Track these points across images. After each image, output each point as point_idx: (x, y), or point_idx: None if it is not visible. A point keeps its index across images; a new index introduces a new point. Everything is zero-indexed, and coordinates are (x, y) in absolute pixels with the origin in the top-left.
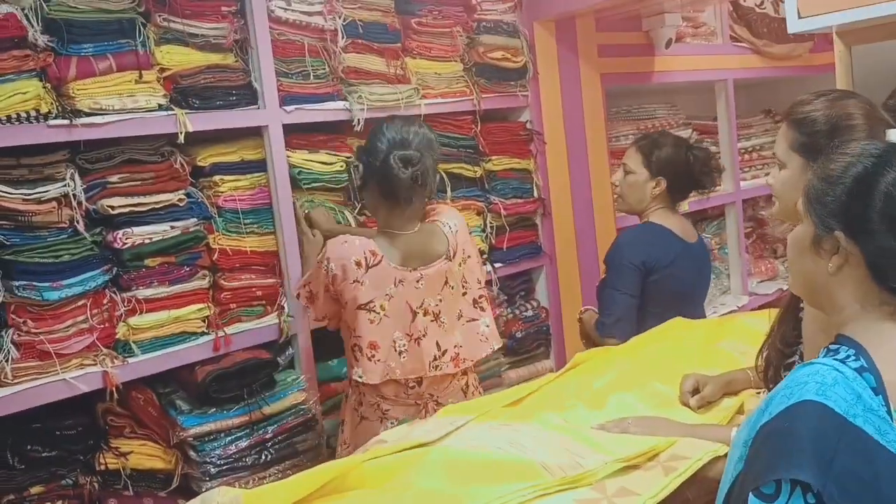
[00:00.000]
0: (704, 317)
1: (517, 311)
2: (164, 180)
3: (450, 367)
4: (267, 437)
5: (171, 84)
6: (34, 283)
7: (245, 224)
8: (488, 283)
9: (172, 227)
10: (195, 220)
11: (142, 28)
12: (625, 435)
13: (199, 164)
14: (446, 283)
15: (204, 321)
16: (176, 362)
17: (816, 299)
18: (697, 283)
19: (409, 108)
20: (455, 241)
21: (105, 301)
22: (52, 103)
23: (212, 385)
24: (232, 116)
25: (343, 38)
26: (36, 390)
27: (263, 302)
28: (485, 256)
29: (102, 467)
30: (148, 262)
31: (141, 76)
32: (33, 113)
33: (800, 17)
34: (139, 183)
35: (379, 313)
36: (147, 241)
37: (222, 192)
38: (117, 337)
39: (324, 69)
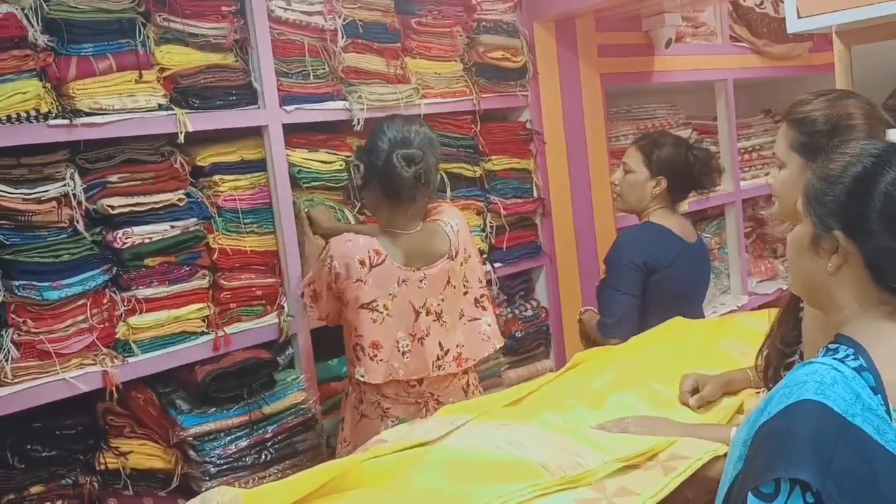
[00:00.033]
0: (703, 317)
1: (517, 311)
2: (164, 180)
3: (452, 367)
4: (267, 436)
5: (171, 84)
6: (34, 283)
7: (245, 224)
8: (488, 282)
9: (172, 227)
10: (195, 219)
11: (142, 28)
12: (624, 435)
13: (199, 163)
14: (448, 282)
15: (204, 321)
16: (176, 362)
17: (815, 299)
18: (697, 283)
19: (409, 107)
20: (457, 241)
21: (105, 301)
22: (52, 103)
23: (211, 385)
24: (232, 116)
25: (343, 37)
26: (36, 390)
27: (263, 301)
28: (484, 256)
29: (102, 467)
30: (148, 261)
31: (141, 76)
32: (33, 113)
33: (799, 17)
34: (139, 183)
35: (382, 313)
36: (147, 240)
37: (222, 192)
38: (117, 336)
39: (324, 69)
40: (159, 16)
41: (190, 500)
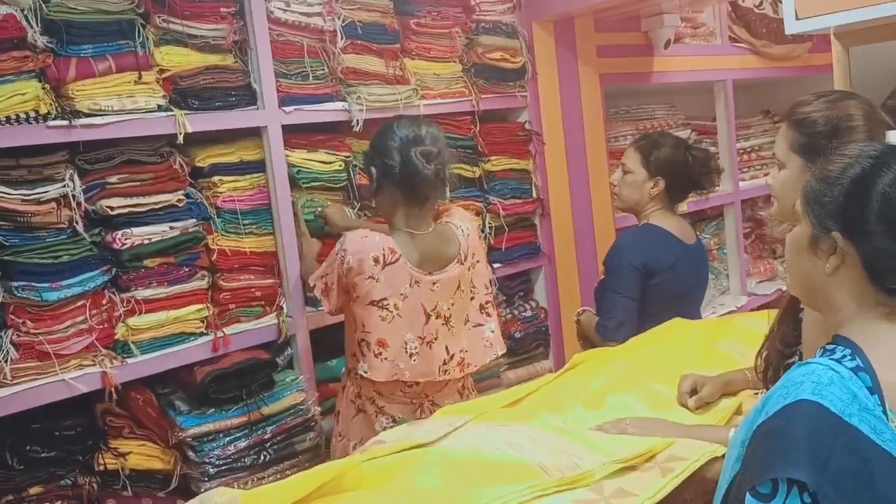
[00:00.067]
0: (700, 319)
1: (516, 312)
2: (164, 181)
3: (456, 372)
4: (266, 437)
5: (170, 85)
6: (33, 284)
7: (244, 225)
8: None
9: (171, 228)
10: (194, 220)
11: (141, 29)
12: (623, 436)
13: (198, 164)
14: (458, 286)
15: (203, 322)
16: (175, 363)
17: (814, 300)
18: (696, 284)
19: (408, 108)
20: (467, 245)
21: (104, 301)
22: (51, 104)
23: (211, 385)
24: (231, 117)
25: (342, 38)
26: (35, 391)
27: (262, 302)
28: None
29: (101, 468)
30: (147, 262)
31: (140, 77)
32: (32, 114)
33: (797, 19)
34: (138, 183)
35: (392, 312)
36: (146, 241)
37: (221, 193)
38: (116, 337)
39: (323, 70)
40: (158, 17)
41: (189, 500)
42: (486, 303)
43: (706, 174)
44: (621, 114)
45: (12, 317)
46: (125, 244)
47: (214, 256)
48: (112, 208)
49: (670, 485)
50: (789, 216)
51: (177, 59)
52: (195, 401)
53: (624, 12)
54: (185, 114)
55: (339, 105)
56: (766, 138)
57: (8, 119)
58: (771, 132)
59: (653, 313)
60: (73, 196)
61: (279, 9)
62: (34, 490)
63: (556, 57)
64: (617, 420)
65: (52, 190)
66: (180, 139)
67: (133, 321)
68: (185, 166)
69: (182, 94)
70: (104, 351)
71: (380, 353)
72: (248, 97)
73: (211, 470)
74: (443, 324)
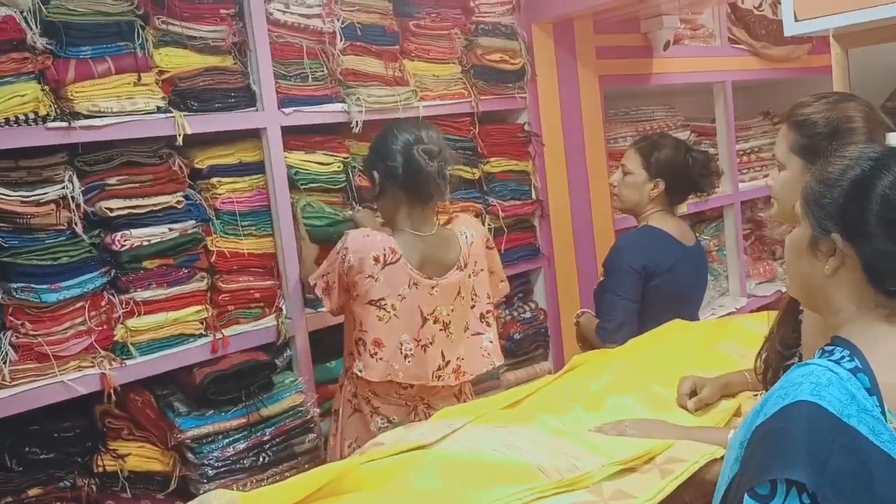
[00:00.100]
0: (699, 320)
1: (515, 313)
2: (163, 182)
3: (451, 379)
4: (265, 439)
5: (169, 86)
6: (32, 285)
7: (243, 226)
8: None
9: (171, 230)
10: (193, 222)
11: (140, 31)
12: (622, 437)
13: (198, 166)
14: (459, 293)
15: (202, 323)
16: (174, 364)
17: (813, 301)
18: (695, 286)
19: (408, 110)
20: (468, 252)
21: (103, 303)
22: (50, 106)
23: (210, 387)
24: (230, 119)
25: (341, 40)
26: (34, 392)
27: (261, 304)
28: None
29: (100, 469)
30: (146, 264)
31: (139, 79)
32: (32, 115)
33: (796, 20)
34: (137, 185)
35: (389, 312)
36: (145, 243)
37: (220, 195)
38: (115, 339)
39: (322, 71)
40: (158, 18)
41: (188, 502)
42: (487, 312)
43: (706, 176)
44: (620, 115)
45: (11, 318)
46: (124, 246)
47: (213, 258)
48: (111, 210)
49: (669, 486)
50: (789, 217)
51: (176, 60)
52: (194, 402)
53: (623, 14)
54: (184, 115)
55: (338, 106)
56: (766, 140)
57: (7, 121)
58: (770, 134)
59: (652, 315)
60: (73, 198)
61: (278, 10)
62: (33, 492)
63: (555, 58)
64: (616, 421)
65: (52, 191)
66: (179, 141)
67: (132, 323)
68: (184, 168)
69: (181, 95)
70: (103, 352)
71: (375, 353)
72: (247, 99)
73: (210, 472)
74: (441, 329)
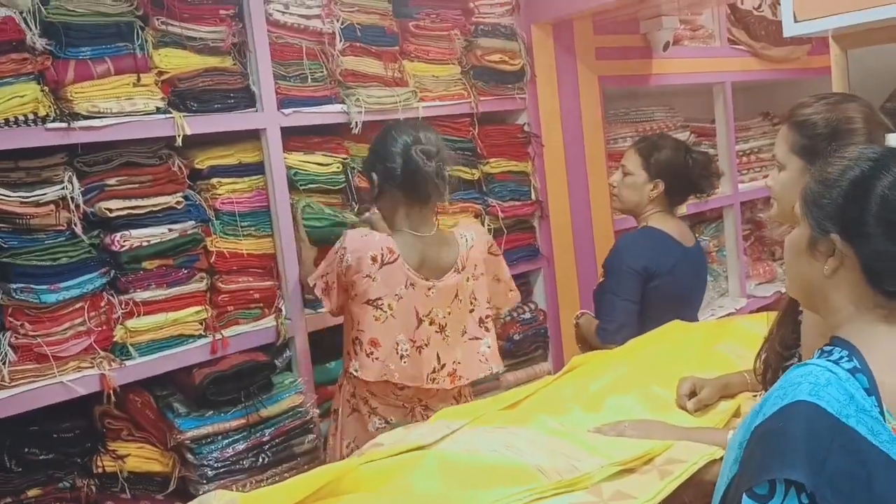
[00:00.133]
0: (699, 321)
1: (515, 314)
2: (162, 183)
3: (446, 383)
4: (264, 439)
5: (169, 87)
6: (32, 286)
7: (242, 227)
8: None
9: (170, 230)
10: (193, 222)
11: (140, 31)
12: (621, 438)
13: (197, 166)
14: (456, 296)
15: (201, 324)
16: (173, 365)
17: (812, 301)
18: (695, 287)
19: (407, 111)
20: (466, 255)
21: (102, 304)
22: (50, 106)
23: (209, 388)
24: (230, 119)
25: (341, 41)
26: (33, 393)
27: (261, 304)
28: None
29: (100, 470)
30: (146, 264)
31: (139, 79)
32: (31, 116)
33: (796, 21)
34: (137, 186)
35: (386, 312)
36: (145, 243)
37: (220, 195)
38: (115, 339)
39: (322, 72)
40: (157, 19)
41: (187, 503)
42: (486, 317)
43: (706, 177)
44: (620, 116)
45: (11, 319)
46: (124, 246)
47: (213, 258)
48: (111, 210)
49: (669, 487)
50: (789, 218)
51: (175, 61)
52: (193, 403)
53: (623, 14)
54: (183, 116)
55: (337, 107)
56: (766, 140)
57: (7, 121)
58: (770, 134)
59: (652, 316)
60: (72, 198)
61: (278, 11)
62: (32, 492)
63: (554, 59)
64: (615, 422)
65: (51, 192)
66: (179, 141)
67: (131, 323)
68: (183, 168)
69: (181, 96)
70: (102, 353)
71: (371, 353)
72: (246, 99)
73: (209, 472)
74: (437, 331)
